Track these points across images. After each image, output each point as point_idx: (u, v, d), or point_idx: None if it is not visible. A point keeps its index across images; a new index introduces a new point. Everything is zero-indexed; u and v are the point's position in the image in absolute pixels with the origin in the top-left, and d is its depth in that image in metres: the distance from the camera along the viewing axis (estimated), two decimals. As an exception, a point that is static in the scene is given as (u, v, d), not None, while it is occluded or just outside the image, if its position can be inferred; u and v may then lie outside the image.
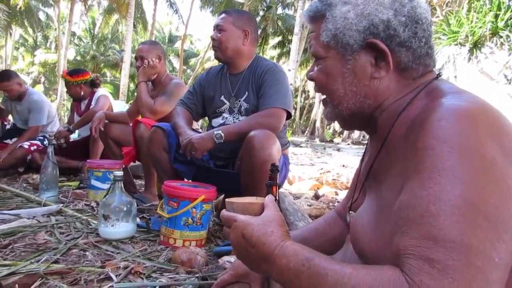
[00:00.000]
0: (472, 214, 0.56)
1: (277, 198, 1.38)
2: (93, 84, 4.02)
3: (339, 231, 1.09)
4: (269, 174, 1.39)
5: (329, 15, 0.82)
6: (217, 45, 2.22)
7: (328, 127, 29.89)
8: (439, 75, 0.82)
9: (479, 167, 0.59)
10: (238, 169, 2.02)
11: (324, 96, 0.89)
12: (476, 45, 6.75)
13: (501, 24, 6.24)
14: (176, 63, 32.28)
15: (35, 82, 32.11)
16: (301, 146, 13.48)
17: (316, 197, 3.41)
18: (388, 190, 0.75)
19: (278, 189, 1.48)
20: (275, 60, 25.64)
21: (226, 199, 0.88)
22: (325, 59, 0.84)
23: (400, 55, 0.78)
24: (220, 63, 2.40)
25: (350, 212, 0.96)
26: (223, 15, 2.26)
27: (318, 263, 0.64)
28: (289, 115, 2.14)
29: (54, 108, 4.52)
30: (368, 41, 0.78)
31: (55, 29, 27.05)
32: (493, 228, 0.56)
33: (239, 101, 2.22)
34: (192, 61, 34.58)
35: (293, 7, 24.31)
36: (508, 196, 0.59)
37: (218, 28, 2.22)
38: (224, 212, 0.84)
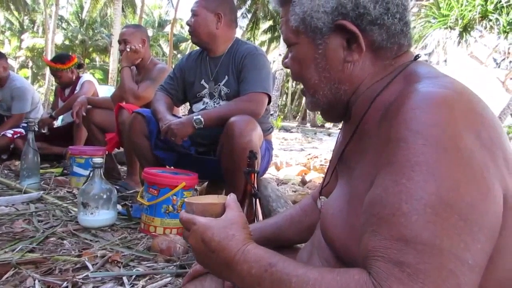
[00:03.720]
0: (446, 213, 0.53)
1: (255, 185, 1.36)
2: (79, 65, 3.94)
3: (315, 218, 1.06)
4: (247, 161, 1.37)
5: None
6: (191, 31, 2.19)
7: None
8: (417, 56, 0.77)
9: (455, 161, 0.55)
10: (219, 156, 1.99)
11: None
12: (466, 29, 6.70)
13: (490, 7, 6.18)
14: (166, 48, 31.87)
15: (22, 67, 31.59)
16: (291, 132, 13.48)
17: (303, 182, 3.41)
18: (358, 179, 0.71)
19: (257, 176, 1.46)
20: (266, 45, 25.45)
21: (185, 199, 0.83)
22: (296, 45, 0.80)
23: (372, 34, 0.73)
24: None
25: (321, 197, 0.93)
26: None
27: (281, 269, 0.61)
28: (269, 99, 2.10)
29: (37, 94, 4.42)
30: (337, 22, 0.73)
31: (42, 13, 26.48)
32: (468, 227, 0.53)
33: (219, 85, 2.17)
34: (183, 45, 34.17)
35: (284, -9, 23.95)
36: (484, 191, 0.55)
37: (192, 13, 2.18)
38: (183, 213, 0.78)
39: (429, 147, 0.56)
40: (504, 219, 0.57)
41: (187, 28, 2.25)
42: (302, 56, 0.79)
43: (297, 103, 34.01)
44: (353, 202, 0.71)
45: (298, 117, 29.65)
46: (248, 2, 23.69)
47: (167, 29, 33.51)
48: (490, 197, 0.56)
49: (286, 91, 29.87)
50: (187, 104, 2.47)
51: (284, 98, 30.32)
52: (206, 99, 2.21)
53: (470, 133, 0.57)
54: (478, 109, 0.61)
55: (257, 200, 1.36)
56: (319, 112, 0.89)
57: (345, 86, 0.77)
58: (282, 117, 20.50)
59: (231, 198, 0.78)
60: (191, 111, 2.28)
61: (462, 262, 0.51)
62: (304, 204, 1.12)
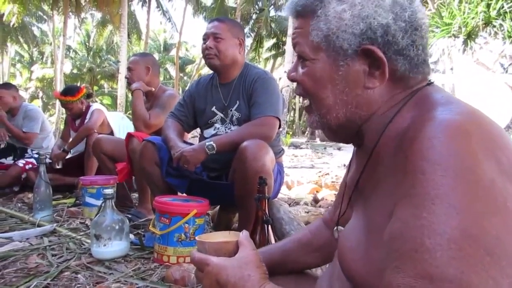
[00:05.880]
0: (471, 248, 0.50)
1: (267, 211, 1.35)
2: (89, 95, 3.99)
3: (324, 241, 1.04)
4: (257, 188, 1.36)
5: (321, 13, 0.73)
6: (215, 53, 2.14)
7: (328, 126, 29.50)
8: (430, 81, 0.75)
9: (476, 192, 0.53)
10: (232, 180, 1.98)
11: (307, 102, 0.81)
12: (470, 36, 6.67)
13: (493, 13, 6.16)
14: (173, 71, 32.27)
15: (33, 98, 32.16)
16: (301, 148, 13.41)
17: (315, 201, 3.36)
18: (376, 211, 0.69)
19: (268, 201, 1.45)
20: (271, 62, 25.63)
21: (197, 238, 0.82)
22: (312, 61, 0.75)
23: (396, 64, 0.71)
24: (210, 73, 2.37)
25: (338, 227, 0.91)
26: (216, 23, 2.19)
27: None
28: (279, 123, 2.09)
29: (48, 123, 4.48)
30: (365, 47, 0.71)
31: (50, 44, 27.10)
32: (496, 262, 0.50)
33: (231, 110, 2.18)
34: (189, 68, 34.55)
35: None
36: (509, 222, 0.52)
37: (215, 36, 2.15)
38: (195, 253, 0.77)
39: (448, 179, 0.53)
40: None
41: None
42: (320, 75, 0.74)
43: (305, 118, 33.88)
44: (371, 235, 0.68)
45: (307, 132, 29.57)
46: (251, 22, 23.98)
47: (173, 52, 33.94)
48: None
49: (294, 107, 29.91)
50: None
51: (292, 114, 30.35)
52: (217, 125, 2.22)
53: (490, 160, 0.55)
54: (495, 133, 0.59)
55: (269, 226, 1.34)
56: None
57: (361, 111, 0.74)
58: (291, 133, 20.44)
59: (244, 236, 0.77)
60: (202, 137, 2.29)
61: None
62: (312, 227, 1.10)
